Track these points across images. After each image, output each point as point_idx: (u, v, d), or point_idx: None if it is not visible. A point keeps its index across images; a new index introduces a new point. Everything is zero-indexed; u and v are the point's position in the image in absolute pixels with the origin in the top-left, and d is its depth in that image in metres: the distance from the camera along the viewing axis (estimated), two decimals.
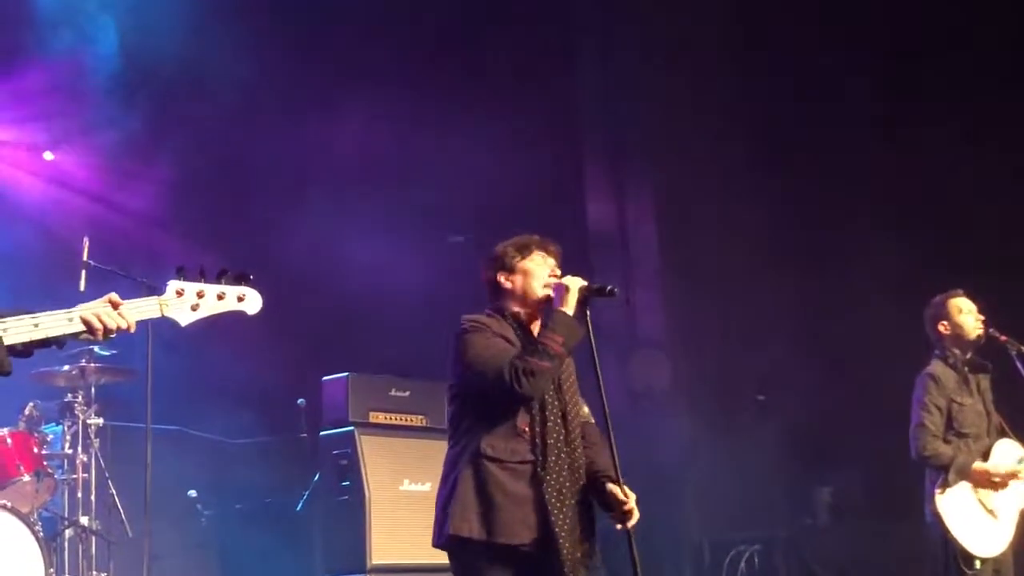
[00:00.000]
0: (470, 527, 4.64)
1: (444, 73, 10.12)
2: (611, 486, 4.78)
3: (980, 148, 9.43)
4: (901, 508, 7.78)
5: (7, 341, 3.66)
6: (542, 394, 4.72)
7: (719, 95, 10.32)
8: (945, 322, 6.89)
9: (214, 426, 9.27)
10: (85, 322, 3.75)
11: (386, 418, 8.27)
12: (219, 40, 9.11)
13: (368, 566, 7.65)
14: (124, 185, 9.73)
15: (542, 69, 10.45)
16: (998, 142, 9.48)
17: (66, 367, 7.87)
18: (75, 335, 3.80)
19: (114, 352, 7.96)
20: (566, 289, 4.79)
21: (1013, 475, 6.65)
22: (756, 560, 9.16)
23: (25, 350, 3.77)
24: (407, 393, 8.42)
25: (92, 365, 7.87)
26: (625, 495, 4.75)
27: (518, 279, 4.92)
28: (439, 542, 4.80)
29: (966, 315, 6.86)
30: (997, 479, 6.63)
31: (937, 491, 6.61)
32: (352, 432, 7.99)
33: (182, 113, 9.49)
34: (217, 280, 4.00)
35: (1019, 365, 6.77)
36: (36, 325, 3.70)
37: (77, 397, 7.95)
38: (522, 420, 4.72)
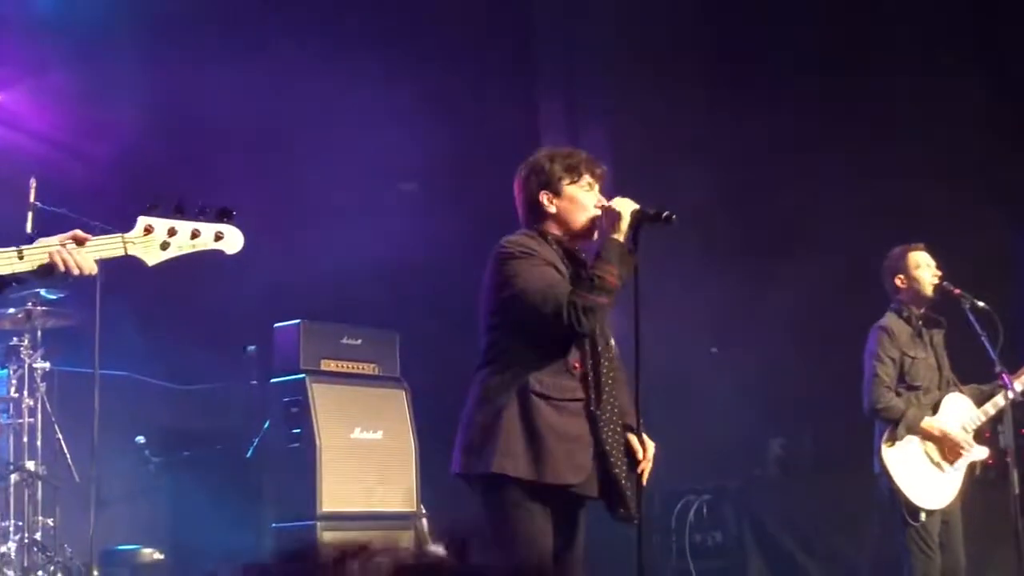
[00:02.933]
0: (515, 465, 4.36)
1: (387, 18, 9.97)
2: (630, 435, 4.61)
3: (940, 79, 9.37)
4: (851, 461, 7.81)
5: None
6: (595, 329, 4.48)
7: (675, 33, 10.17)
8: (902, 275, 6.86)
9: (163, 372, 9.18)
10: (46, 264, 3.56)
11: (338, 366, 8.21)
12: None
13: (318, 513, 7.62)
14: (78, 128, 9.55)
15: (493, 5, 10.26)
16: (963, 73, 9.40)
17: (11, 310, 7.74)
18: (21, 276, 3.63)
19: (61, 295, 7.85)
20: (618, 215, 4.46)
21: (959, 447, 6.64)
22: (705, 511, 9.18)
23: None
24: (359, 341, 8.37)
25: (38, 308, 7.74)
26: (643, 447, 4.61)
27: (564, 204, 4.56)
28: (471, 471, 4.47)
29: (923, 270, 6.82)
30: (947, 445, 6.63)
31: (884, 444, 6.63)
32: (303, 380, 7.93)
33: (135, 55, 9.30)
34: (196, 217, 3.76)
35: (971, 318, 6.74)
36: None
37: (23, 340, 7.85)
38: (573, 357, 4.47)
